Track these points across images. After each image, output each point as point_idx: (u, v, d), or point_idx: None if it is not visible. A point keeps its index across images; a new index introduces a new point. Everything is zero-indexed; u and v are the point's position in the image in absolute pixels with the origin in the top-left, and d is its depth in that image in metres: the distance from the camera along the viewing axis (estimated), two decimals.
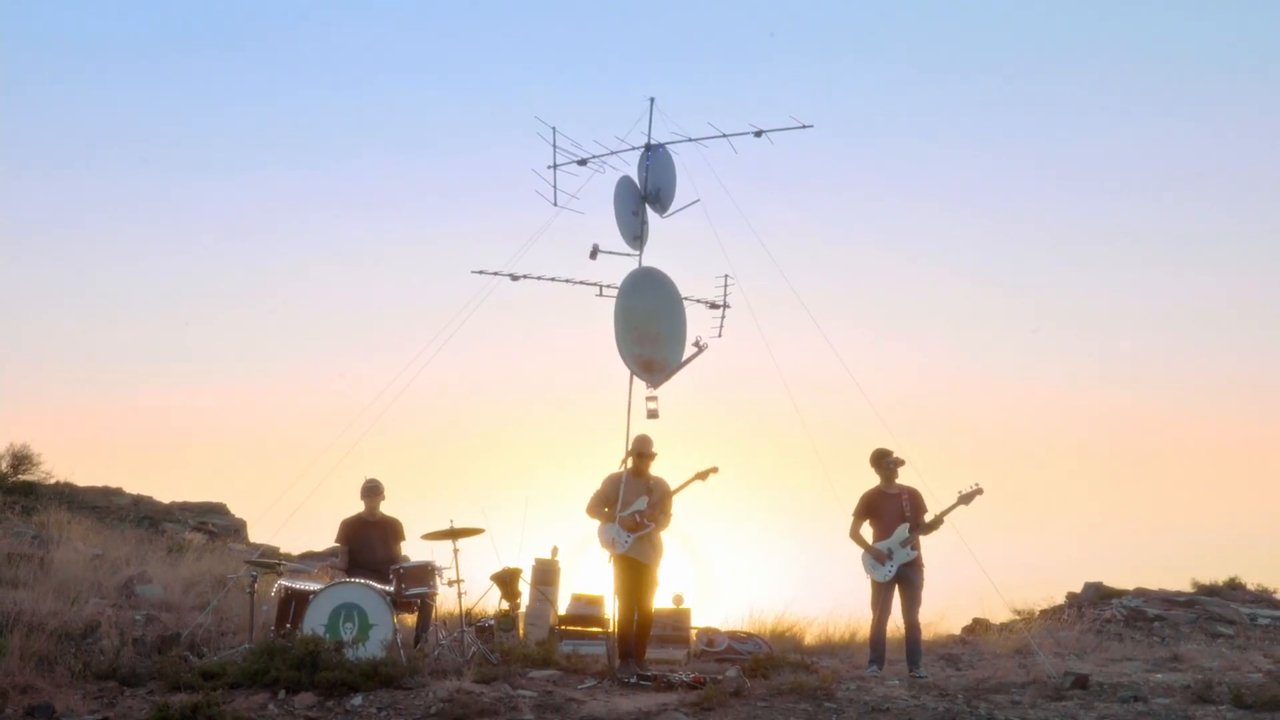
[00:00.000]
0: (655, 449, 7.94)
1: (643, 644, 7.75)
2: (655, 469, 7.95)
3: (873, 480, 8.40)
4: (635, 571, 7.68)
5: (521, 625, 9.43)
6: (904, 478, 8.34)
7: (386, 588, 7.66)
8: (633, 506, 7.72)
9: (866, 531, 8.32)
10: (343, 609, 7.20)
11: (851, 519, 8.35)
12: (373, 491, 8.69)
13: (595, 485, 7.99)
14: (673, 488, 7.81)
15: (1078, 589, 15.06)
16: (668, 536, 7.89)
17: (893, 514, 8.18)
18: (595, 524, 7.85)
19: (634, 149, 9.30)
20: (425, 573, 8.04)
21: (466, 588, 8.23)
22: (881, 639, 8.23)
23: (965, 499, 8.02)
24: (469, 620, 8.27)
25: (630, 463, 7.97)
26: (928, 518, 8.18)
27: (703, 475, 7.79)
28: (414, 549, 8.66)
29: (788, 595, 11.45)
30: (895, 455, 8.30)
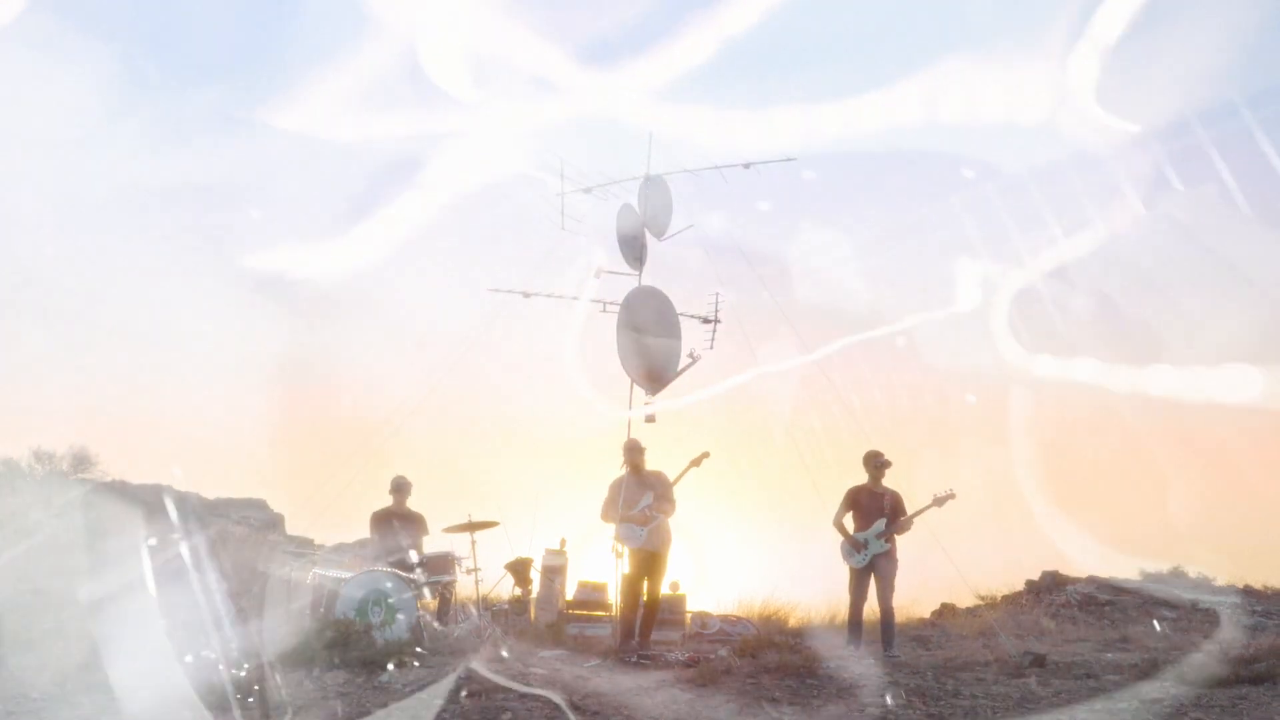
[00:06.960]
0: (643, 445, 8.12)
1: (650, 626, 7.79)
2: (655, 465, 8.03)
3: (862, 477, 8.42)
4: (650, 560, 7.78)
5: (533, 609, 9.44)
6: (887, 478, 8.36)
7: (411, 575, 7.68)
8: (640, 504, 7.79)
9: (849, 522, 8.33)
10: (371, 595, 7.22)
11: (838, 508, 8.37)
12: (401, 488, 8.71)
13: (599, 484, 8.04)
14: (671, 478, 7.91)
15: (1036, 577, 15.04)
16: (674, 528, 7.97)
17: (873, 510, 8.20)
18: (610, 526, 7.91)
19: (634, 179, 9.39)
20: (446, 562, 8.07)
21: (483, 575, 8.27)
22: (858, 621, 8.23)
23: (938, 502, 8.04)
24: (485, 605, 8.30)
25: (625, 466, 8.03)
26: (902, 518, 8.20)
27: (696, 462, 7.94)
28: (435, 541, 8.68)
29: (773, 582, 11.46)
30: (884, 458, 8.33)
